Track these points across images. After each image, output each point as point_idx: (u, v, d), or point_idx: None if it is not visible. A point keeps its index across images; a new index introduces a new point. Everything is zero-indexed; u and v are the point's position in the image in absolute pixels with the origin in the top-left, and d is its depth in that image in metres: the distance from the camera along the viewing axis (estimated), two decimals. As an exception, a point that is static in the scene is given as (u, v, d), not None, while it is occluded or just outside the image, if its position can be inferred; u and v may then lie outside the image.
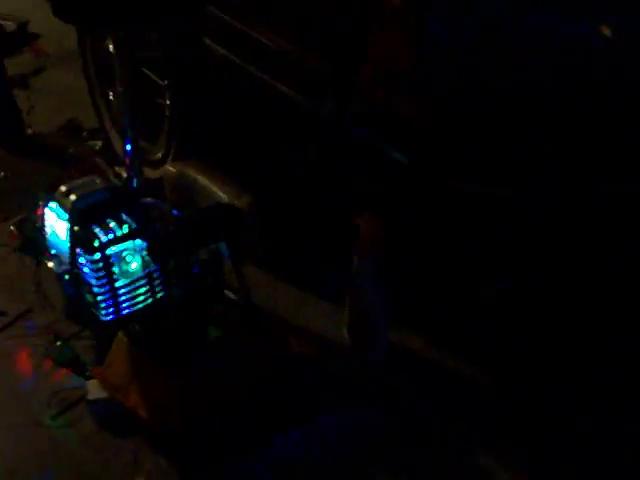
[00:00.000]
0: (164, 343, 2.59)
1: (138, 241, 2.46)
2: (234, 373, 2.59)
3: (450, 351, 2.81)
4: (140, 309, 2.53)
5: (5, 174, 3.21)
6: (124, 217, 2.46)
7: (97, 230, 2.45)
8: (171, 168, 2.79)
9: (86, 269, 2.47)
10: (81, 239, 2.45)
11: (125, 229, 2.45)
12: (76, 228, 2.44)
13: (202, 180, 2.72)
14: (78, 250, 2.45)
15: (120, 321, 2.51)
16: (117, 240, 2.45)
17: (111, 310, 2.49)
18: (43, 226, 2.59)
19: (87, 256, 2.45)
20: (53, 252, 2.58)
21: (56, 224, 2.53)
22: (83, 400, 2.67)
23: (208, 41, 2.79)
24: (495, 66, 2.28)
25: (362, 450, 2.52)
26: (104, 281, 2.46)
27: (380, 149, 2.38)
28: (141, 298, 2.52)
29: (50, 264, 2.55)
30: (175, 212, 2.57)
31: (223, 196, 2.66)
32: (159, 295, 2.54)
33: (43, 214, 2.57)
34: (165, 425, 2.58)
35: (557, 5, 2.28)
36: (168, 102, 3.02)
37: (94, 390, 2.71)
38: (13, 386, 2.77)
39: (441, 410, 2.62)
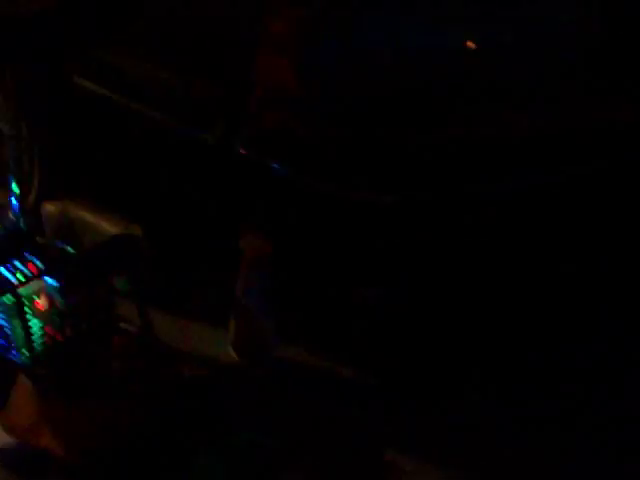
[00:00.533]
0: (71, 379, 2.58)
1: (47, 279, 2.42)
2: (141, 400, 2.65)
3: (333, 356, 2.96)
4: (49, 348, 2.48)
5: None
6: (28, 257, 2.44)
7: (3, 271, 2.39)
8: (50, 207, 2.80)
9: None
10: None
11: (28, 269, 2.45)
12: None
13: (86, 216, 2.74)
14: None
15: (34, 362, 2.45)
16: (27, 280, 2.41)
17: (24, 351, 2.48)
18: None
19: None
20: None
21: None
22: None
23: (77, 79, 2.83)
24: (363, 83, 2.49)
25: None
26: (17, 323, 2.41)
27: (269, 167, 2.54)
28: (48, 337, 2.53)
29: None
30: (68, 248, 2.57)
31: (110, 228, 2.68)
32: (66, 333, 2.50)
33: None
34: (82, 459, 2.59)
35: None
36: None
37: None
38: None
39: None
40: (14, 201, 2.56)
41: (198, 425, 2.73)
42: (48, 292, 2.50)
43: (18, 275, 2.44)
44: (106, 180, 2.96)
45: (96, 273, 2.58)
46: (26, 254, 2.50)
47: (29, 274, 2.47)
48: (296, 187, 2.52)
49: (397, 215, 2.53)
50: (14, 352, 2.49)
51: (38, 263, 2.48)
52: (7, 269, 2.46)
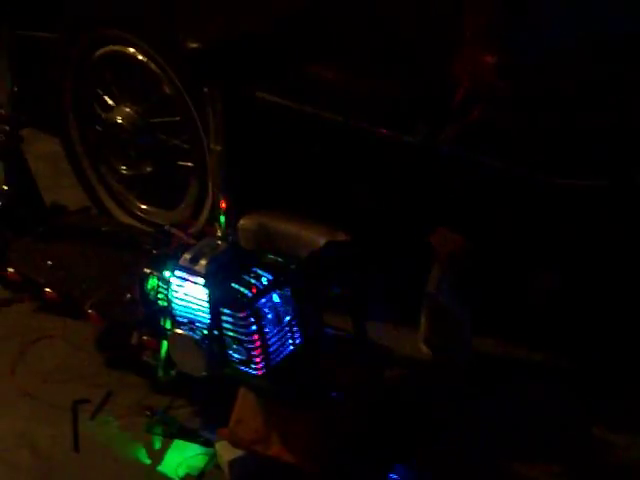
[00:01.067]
0: (300, 388, 2.61)
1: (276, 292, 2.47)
2: (359, 405, 2.71)
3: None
4: (283, 358, 2.54)
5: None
6: (258, 271, 2.48)
7: (238, 287, 2.44)
8: (246, 221, 2.85)
9: (232, 327, 2.49)
10: (226, 299, 2.44)
11: (264, 281, 2.50)
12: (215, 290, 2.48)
13: (288, 227, 2.79)
14: (225, 310, 2.44)
15: (269, 374, 2.51)
16: (261, 293, 2.47)
17: (262, 364, 2.52)
18: (169, 297, 2.57)
19: (237, 313, 2.47)
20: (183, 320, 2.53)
21: (186, 291, 2.51)
22: (215, 464, 2.74)
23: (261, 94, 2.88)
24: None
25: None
26: (255, 336, 2.46)
27: (474, 162, 2.60)
28: (284, 347, 2.57)
29: (181, 331, 2.52)
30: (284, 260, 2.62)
31: (316, 237, 2.73)
32: (297, 341, 2.55)
33: (168, 284, 2.57)
34: (316, 466, 2.63)
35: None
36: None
37: (225, 451, 2.72)
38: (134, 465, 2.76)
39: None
40: (222, 218, 2.52)
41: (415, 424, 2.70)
42: (280, 302, 2.50)
43: (253, 290, 2.41)
44: (301, 191, 2.98)
45: (319, 281, 2.56)
46: (255, 269, 2.44)
47: (261, 287, 2.42)
48: (501, 179, 2.54)
49: (604, 200, 2.57)
50: (254, 365, 2.46)
51: (268, 276, 2.43)
52: (240, 285, 2.42)
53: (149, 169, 3.30)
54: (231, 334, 2.54)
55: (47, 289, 3.02)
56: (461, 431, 2.78)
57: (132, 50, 3.30)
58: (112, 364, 3.09)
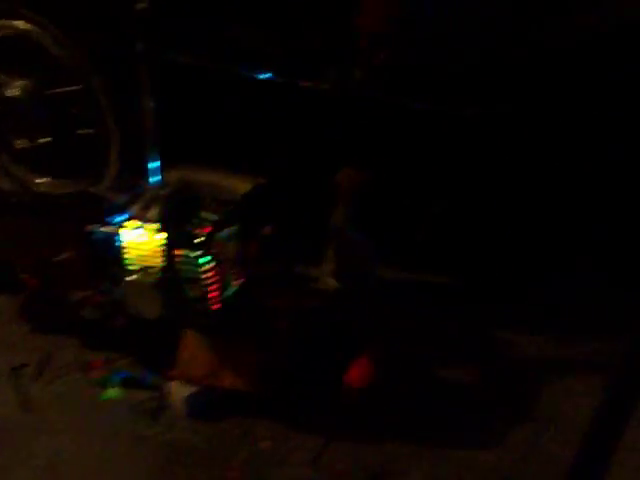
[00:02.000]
0: (246, 320, 2.87)
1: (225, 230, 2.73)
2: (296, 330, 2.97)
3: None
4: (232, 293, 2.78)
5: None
6: (203, 214, 2.74)
7: (192, 228, 2.69)
8: (171, 174, 3.05)
9: (188, 267, 2.70)
10: (182, 240, 2.68)
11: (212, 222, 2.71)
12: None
13: (208, 177, 2.98)
14: (181, 251, 2.68)
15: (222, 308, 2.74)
16: (212, 232, 2.70)
17: (217, 299, 2.74)
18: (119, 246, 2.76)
19: (193, 253, 2.69)
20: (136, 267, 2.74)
21: (138, 239, 2.73)
22: (167, 402, 2.92)
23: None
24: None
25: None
26: (212, 273, 2.70)
27: (378, 100, 2.95)
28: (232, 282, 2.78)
29: (134, 278, 2.73)
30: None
31: (236, 184, 2.95)
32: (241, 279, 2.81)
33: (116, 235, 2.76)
34: (269, 389, 2.88)
35: None
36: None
37: (177, 389, 2.91)
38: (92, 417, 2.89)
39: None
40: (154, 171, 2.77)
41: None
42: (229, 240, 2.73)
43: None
44: (220, 145, 3.19)
45: (257, 219, 2.83)
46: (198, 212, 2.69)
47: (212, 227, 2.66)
48: (404, 114, 2.89)
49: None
50: (210, 302, 2.71)
51: (213, 217, 2.68)
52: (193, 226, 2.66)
53: (45, 140, 3.33)
54: (187, 274, 2.68)
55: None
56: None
57: (22, 24, 3.30)
58: (40, 330, 3.17)
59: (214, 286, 2.71)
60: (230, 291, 2.76)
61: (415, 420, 2.80)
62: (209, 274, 2.69)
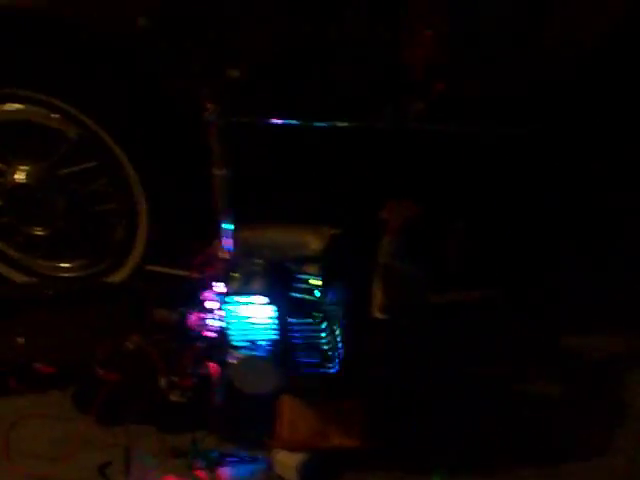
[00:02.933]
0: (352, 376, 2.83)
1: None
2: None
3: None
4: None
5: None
6: (304, 277, 2.72)
7: (301, 295, 2.67)
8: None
9: (303, 334, 2.68)
10: (294, 308, 2.65)
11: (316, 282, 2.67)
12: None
13: (274, 234, 2.96)
14: (294, 319, 2.65)
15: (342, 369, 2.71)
16: (322, 295, 2.69)
17: (337, 361, 2.71)
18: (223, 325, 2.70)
19: (309, 319, 2.66)
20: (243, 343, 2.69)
21: (244, 314, 2.67)
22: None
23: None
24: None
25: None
26: (327, 333, 2.68)
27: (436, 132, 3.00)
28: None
29: (242, 354, 2.68)
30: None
31: (306, 237, 2.94)
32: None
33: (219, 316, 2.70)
34: (375, 443, 2.86)
35: None
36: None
37: (285, 459, 2.84)
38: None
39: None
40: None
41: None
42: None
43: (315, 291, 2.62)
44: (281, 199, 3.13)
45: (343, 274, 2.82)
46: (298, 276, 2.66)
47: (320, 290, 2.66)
48: (459, 142, 2.95)
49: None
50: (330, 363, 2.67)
51: (316, 279, 2.66)
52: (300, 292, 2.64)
53: (62, 224, 3.17)
54: (303, 341, 2.62)
55: (39, 364, 2.84)
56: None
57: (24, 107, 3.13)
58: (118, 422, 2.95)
59: (333, 349, 2.60)
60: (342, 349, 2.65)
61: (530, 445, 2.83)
62: (327, 337, 2.57)
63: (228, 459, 2.89)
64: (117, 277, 3.17)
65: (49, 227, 3.14)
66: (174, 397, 2.83)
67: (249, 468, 2.86)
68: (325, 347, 2.65)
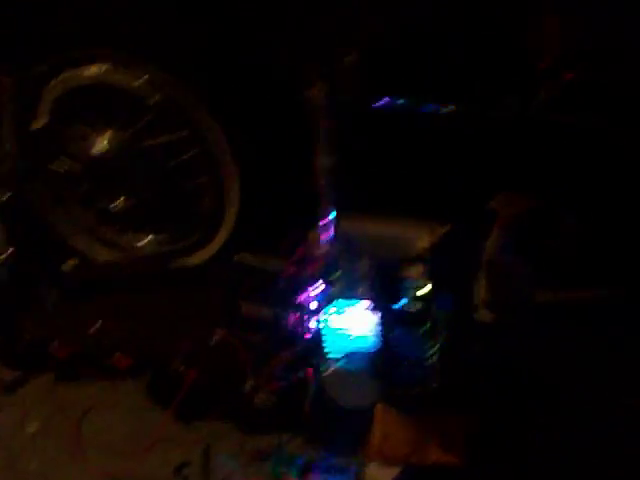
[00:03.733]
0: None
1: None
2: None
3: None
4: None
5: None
6: (409, 280, 2.43)
7: (409, 301, 2.39)
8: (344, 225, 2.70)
9: (410, 345, 2.41)
10: (401, 316, 2.37)
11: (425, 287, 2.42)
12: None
13: (384, 229, 2.68)
14: (401, 329, 2.37)
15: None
16: (431, 301, 2.40)
17: (439, 375, 2.46)
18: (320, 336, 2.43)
19: (417, 325, 2.40)
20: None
21: (343, 322, 2.39)
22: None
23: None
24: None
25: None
26: (433, 345, 2.42)
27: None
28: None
29: (339, 367, 2.42)
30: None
31: (416, 235, 2.65)
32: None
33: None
34: (476, 461, 2.61)
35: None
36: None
37: (377, 472, 2.60)
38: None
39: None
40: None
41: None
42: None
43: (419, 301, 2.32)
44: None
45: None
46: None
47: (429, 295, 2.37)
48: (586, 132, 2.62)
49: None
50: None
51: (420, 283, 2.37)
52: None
53: (146, 195, 2.90)
54: (406, 354, 2.38)
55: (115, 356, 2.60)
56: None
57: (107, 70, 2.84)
58: (185, 418, 2.77)
59: (436, 362, 2.39)
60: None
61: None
62: (433, 350, 2.34)
63: (315, 466, 2.63)
64: (203, 255, 2.87)
65: (133, 198, 2.82)
66: (259, 401, 2.61)
67: (337, 478, 2.60)
68: (430, 361, 2.39)
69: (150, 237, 3.03)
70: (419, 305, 2.33)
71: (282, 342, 2.51)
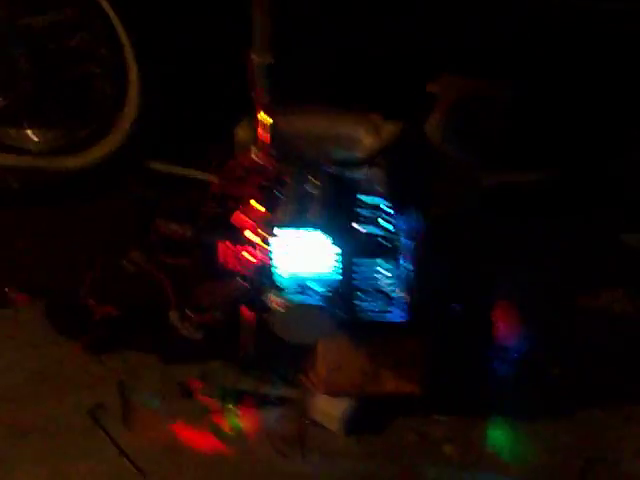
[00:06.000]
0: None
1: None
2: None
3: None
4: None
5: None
6: (371, 202, 2.09)
7: (374, 230, 2.06)
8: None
9: (372, 276, 2.08)
10: (362, 246, 2.04)
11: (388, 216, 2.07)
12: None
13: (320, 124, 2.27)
14: (361, 260, 2.04)
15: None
16: (398, 231, 2.08)
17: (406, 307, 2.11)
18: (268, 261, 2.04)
19: (383, 260, 2.08)
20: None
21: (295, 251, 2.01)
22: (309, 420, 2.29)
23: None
24: None
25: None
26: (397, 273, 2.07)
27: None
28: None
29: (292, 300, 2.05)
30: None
31: (354, 128, 2.27)
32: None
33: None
34: (434, 387, 2.34)
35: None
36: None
37: (324, 406, 2.33)
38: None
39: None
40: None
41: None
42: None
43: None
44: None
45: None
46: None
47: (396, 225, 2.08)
48: None
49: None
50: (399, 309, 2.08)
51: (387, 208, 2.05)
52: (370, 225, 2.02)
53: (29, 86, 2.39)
54: (367, 284, 2.06)
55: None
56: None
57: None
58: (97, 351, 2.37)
59: (406, 293, 2.07)
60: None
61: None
62: (398, 279, 2.04)
63: (251, 399, 2.31)
64: (105, 148, 2.38)
65: (13, 90, 2.29)
66: (185, 331, 2.23)
67: (277, 412, 2.32)
68: (395, 291, 2.06)
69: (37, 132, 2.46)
70: (381, 228, 1.89)
71: (210, 267, 2.05)
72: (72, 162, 2.49)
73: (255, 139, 2.07)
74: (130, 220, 2.24)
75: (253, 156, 2.05)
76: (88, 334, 2.24)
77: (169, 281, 2.17)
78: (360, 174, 2.10)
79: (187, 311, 2.16)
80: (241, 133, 2.20)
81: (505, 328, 2.39)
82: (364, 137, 2.16)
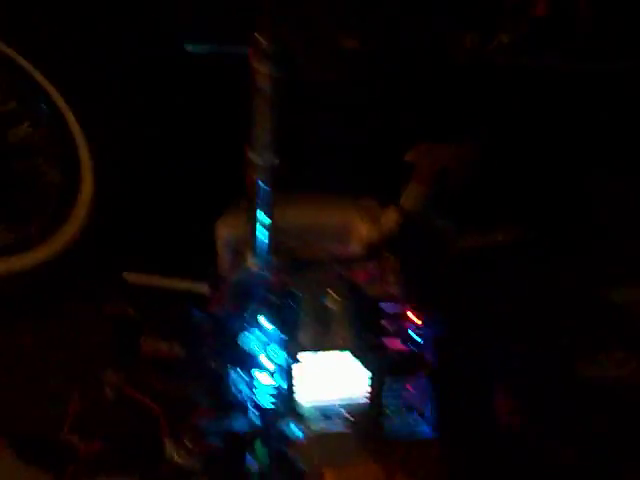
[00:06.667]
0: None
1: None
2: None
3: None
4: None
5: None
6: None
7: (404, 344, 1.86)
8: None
9: (403, 393, 1.89)
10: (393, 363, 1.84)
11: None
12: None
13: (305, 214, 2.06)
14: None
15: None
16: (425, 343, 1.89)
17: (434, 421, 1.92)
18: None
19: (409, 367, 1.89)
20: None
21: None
22: None
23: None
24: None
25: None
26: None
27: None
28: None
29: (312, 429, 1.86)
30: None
31: (346, 219, 2.08)
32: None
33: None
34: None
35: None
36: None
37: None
38: None
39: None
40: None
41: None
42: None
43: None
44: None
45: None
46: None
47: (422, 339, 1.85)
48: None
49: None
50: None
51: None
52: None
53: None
54: (396, 403, 1.87)
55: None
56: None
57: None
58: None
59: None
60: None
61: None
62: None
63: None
64: (49, 249, 2.09)
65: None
66: (180, 459, 1.90)
67: None
68: (426, 407, 1.87)
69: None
70: (410, 340, 1.68)
71: (205, 388, 1.80)
72: (18, 263, 2.16)
73: (243, 240, 1.80)
74: (106, 337, 1.93)
75: (250, 266, 1.77)
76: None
77: (161, 409, 1.86)
78: (366, 274, 1.86)
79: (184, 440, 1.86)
80: (223, 229, 1.94)
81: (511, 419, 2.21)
82: (359, 226, 1.92)
